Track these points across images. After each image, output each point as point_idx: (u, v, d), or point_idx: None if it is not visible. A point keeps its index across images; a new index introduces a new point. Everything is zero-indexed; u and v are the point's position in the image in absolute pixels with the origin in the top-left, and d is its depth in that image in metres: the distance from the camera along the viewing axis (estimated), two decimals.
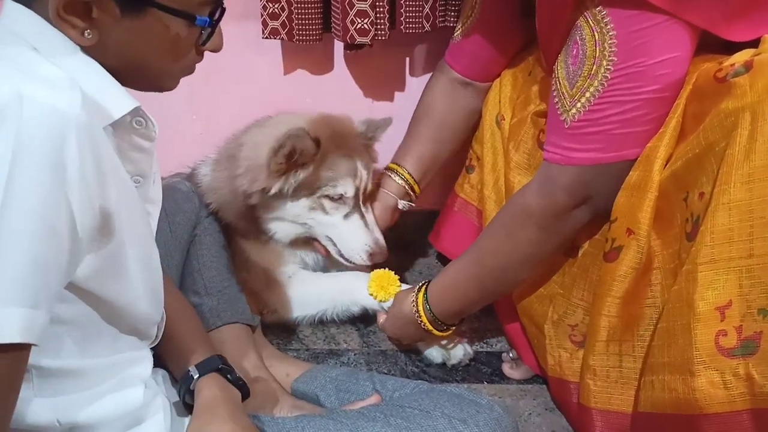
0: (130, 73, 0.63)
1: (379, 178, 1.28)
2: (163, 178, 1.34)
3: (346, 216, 1.15)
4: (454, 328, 1.12)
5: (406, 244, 1.58)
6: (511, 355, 1.20)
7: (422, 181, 1.29)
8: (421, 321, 1.09)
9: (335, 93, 1.45)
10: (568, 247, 1.00)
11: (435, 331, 1.10)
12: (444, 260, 1.50)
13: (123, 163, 0.63)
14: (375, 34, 1.26)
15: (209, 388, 0.80)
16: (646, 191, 0.83)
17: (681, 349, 0.74)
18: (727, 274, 0.71)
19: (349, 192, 1.13)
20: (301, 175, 1.10)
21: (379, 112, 1.47)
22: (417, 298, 1.10)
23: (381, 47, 1.37)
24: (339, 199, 1.14)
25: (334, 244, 1.17)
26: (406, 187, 1.26)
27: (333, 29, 1.31)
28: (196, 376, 0.81)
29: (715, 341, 0.71)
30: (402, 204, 1.27)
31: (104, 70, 0.60)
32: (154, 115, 1.55)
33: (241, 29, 1.39)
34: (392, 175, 1.26)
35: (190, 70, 0.69)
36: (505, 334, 1.24)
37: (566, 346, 1.00)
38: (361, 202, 1.16)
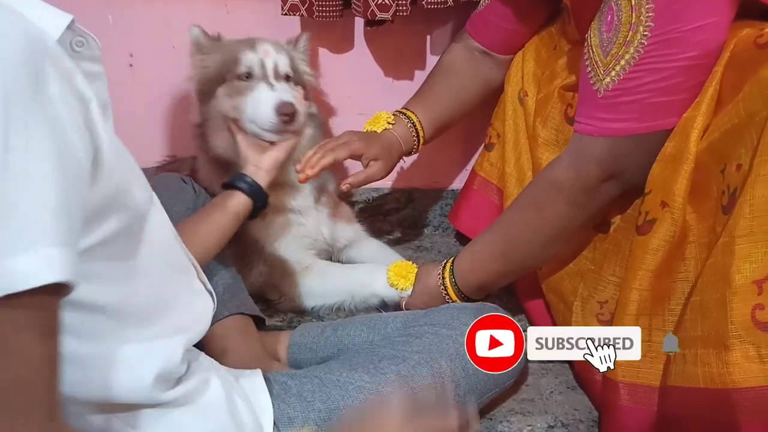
0: None
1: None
2: (180, 159, 1.36)
3: (253, 88, 1.12)
4: (480, 302, 1.11)
5: (425, 224, 1.58)
6: None
7: (428, 139, 1.25)
8: (447, 295, 1.09)
9: (355, 72, 1.44)
10: (600, 223, 0.99)
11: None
12: (463, 240, 1.49)
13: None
14: (396, 10, 1.24)
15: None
16: (682, 163, 0.81)
17: (715, 323, 0.73)
18: (766, 247, 0.69)
19: (253, 64, 1.13)
20: (208, 60, 1.16)
21: (400, 90, 1.45)
22: (443, 272, 1.09)
23: (401, 24, 1.36)
24: (247, 77, 1.13)
25: (251, 120, 1.11)
26: (414, 138, 1.21)
27: (353, 5, 1.29)
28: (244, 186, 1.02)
29: (751, 315, 0.70)
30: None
31: None
32: (174, 92, 1.56)
33: (260, 6, 1.38)
34: (406, 121, 1.21)
35: None
36: (526, 313, 1.24)
37: (592, 325, 0.99)
38: (271, 74, 1.14)
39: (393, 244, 1.47)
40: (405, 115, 1.22)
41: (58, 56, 0.48)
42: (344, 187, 1.14)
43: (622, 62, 0.82)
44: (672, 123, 0.84)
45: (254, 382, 0.78)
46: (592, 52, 0.87)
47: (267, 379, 0.81)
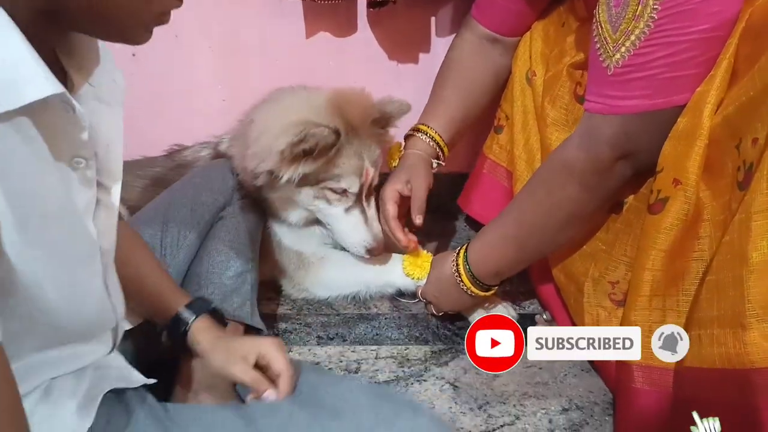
0: (89, 15, 0.53)
1: (404, 141, 1.24)
2: (189, 147, 1.35)
3: (348, 210, 1.13)
4: (495, 288, 1.10)
5: (434, 209, 1.55)
6: (545, 316, 1.19)
7: (451, 144, 1.24)
8: (461, 281, 1.07)
9: (359, 56, 1.42)
10: (613, 204, 0.96)
11: (476, 291, 1.08)
12: (473, 224, 1.48)
13: (60, 141, 0.54)
14: None
15: (210, 329, 0.83)
16: (695, 139, 0.79)
17: (732, 302, 0.71)
18: None
19: (353, 189, 1.11)
20: (311, 167, 1.05)
21: (405, 74, 1.44)
22: (457, 259, 1.08)
23: (405, 6, 1.33)
24: (342, 192, 1.11)
25: (334, 234, 1.16)
26: (436, 148, 1.22)
27: None
28: (191, 319, 0.83)
29: None
30: (434, 164, 1.22)
31: (22, 42, 0.49)
32: (178, 82, 1.55)
33: None
34: (421, 136, 1.21)
35: (164, 18, 0.58)
36: (538, 296, 1.23)
37: (605, 305, 0.97)
38: (364, 197, 1.14)
39: None
40: (421, 131, 1.21)
41: None
42: (419, 221, 1.15)
43: (632, 37, 0.80)
44: (685, 99, 0.81)
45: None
46: (601, 28, 0.84)
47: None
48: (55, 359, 0.65)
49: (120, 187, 0.68)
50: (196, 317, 0.84)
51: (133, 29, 0.56)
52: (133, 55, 1.40)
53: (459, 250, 1.09)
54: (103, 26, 0.55)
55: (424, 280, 1.16)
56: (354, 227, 1.14)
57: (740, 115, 0.75)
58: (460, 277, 1.08)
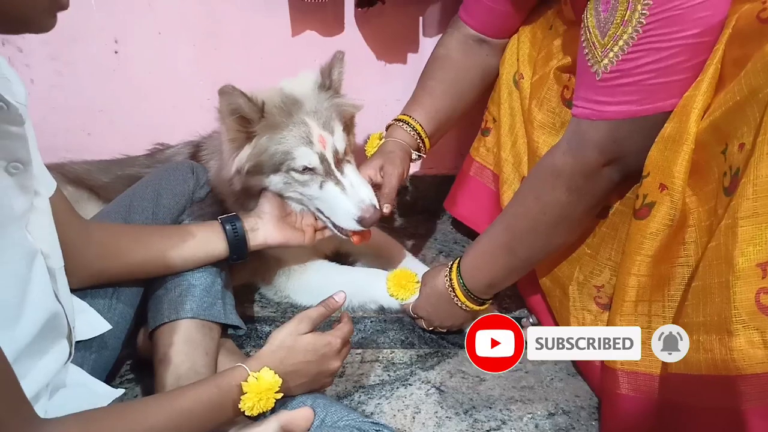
0: None
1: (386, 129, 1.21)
2: (172, 146, 1.33)
3: (321, 186, 1.05)
4: (488, 303, 1.09)
5: (420, 211, 1.56)
6: (531, 320, 1.18)
7: (433, 137, 1.21)
8: (455, 296, 1.06)
9: (346, 55, 1.40)
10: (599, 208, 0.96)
11: (470, 305, 1.07)
12: (459, 226, 1.47)
13: None
14: None
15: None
16: (682, 144, 0.79)
17: (718, 308, 0.71)
18: None
19: (312, 162, 1.03)
20: (254, 147, 1.02)
21: (393, 74, 1.42)
22: (450, 273, 1.07)
23: (393, 5, 1.32)
24: (305, 170, 1.04)
25: (327, 217, 1.09)
26: (417, 139, 1.18)
27: None
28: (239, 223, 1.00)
29: (755, 299, 0.68)
30: (414, 155, 1.19)
31: None
32: (161, 79, 1.52)
33: None
34: (403, 126, 1.18)
35: (64, 3, 0.59)
36: (524, 300, 1.22)
37: (590, 308, 0.97)
38: (334, 167, 1.05)
39: (388, 231, 1.45)
40: (403, 122, 1.19)
41: None
42: (387, 210, 1.09)
43: (621, 42, 0.79)
44: (673, 104, 0.81)
45: None
46: (589, 33, 0.84)
47: None
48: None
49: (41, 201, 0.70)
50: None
51: (36, 18, 0.57)
52: (116, 52, 1.38)
53: (451, 264, 1.08)
54: (6, 21, 0.56)
55: (409, 301, 1.14)
56: (333, 201, 1.04)
57: (727, 120, 0.74)
58: (454, 291, 1.06)
